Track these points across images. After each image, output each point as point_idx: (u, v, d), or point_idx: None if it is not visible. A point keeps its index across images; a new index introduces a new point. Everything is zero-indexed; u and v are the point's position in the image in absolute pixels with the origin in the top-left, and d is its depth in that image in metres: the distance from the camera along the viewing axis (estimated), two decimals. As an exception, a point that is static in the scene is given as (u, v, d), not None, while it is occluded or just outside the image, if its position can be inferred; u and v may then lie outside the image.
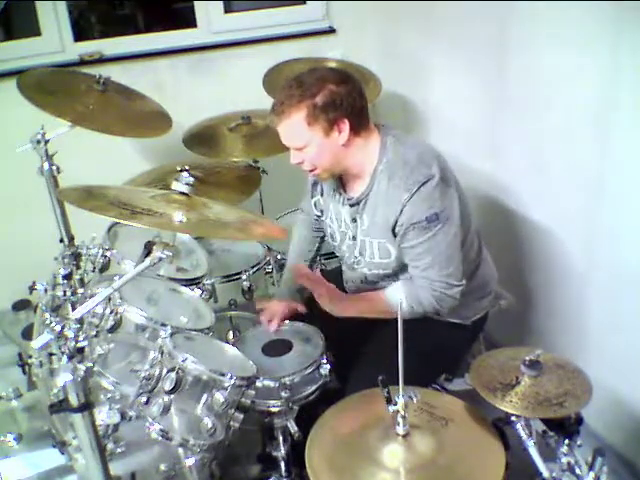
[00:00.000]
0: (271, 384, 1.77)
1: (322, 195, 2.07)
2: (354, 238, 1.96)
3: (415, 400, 1.38)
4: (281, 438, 1.85)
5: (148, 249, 1.44)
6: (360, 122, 1.81)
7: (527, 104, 2.31)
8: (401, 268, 1.92)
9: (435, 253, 1.81)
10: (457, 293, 1.85)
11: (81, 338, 1.26)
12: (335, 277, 2.13)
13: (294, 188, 2.25)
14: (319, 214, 2.11)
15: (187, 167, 1.63)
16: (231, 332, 2.27)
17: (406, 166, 1.80)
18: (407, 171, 1.79)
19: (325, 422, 1.54)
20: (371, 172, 1.85)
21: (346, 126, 1.77)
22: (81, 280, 2.04)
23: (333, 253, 2.20)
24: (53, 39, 2.94)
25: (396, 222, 1.82)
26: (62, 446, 1.77)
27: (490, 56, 2.46)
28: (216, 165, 2.63)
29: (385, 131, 1.88)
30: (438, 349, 1.90)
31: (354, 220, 1.94)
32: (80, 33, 3.06)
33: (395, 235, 1.84)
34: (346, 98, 1.76)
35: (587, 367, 1.56)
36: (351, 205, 1.93)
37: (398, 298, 1.60)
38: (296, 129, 1.77)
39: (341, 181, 1.96)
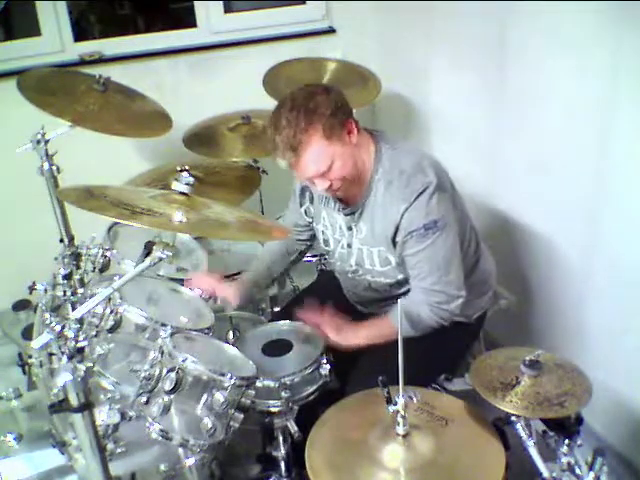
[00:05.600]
0: (271, 384, 1.77)
1: (312, 202, 2.05)
2: (349, 246, 1.95)
3: (415, 400, 1.38)
4: (281, 438, 1.85)
5: (148, 249, 1.44)
6: (356, 121, 1.81)
7: (527, 104, 2.31)
8: (405, 276, 1.90)
9: (434, 260, 1.81)
10: (457, 308, 1.85)
11: (81, 338, 1.26)
12: (334, 277, 2.14)
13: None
14: (310, 220, 2.09)
15: (187, 167, 1.63)
16: (231, 332, 2.27)
17: (402, 175, 1.79)
18: (404, 180, 1.78)
19: (325, 422, 1.54)
20: (367, 180, 1.84)
21: (353, 125, 1.78)
22: (81, 280, 2.04)
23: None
24: (53, 39, 2.94)
25: (396, 232, 1.81)
26: (62, 446, 1.77)
27: (490, 56, 2.46)
28: (216, 165, 2.63)
29: (380, 138, 1.87)
30: (439, 349, 1.89)
31: (350, 228, 1.93)
32: (80, 33, 3.07)
33: (395, 245, 1.84)
34: (341, 100, 1.78)
35: (587, 367, 1.56)
36: (346, 214, 1.92)
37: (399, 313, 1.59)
38: (319, 151, 1.72)
39: None
